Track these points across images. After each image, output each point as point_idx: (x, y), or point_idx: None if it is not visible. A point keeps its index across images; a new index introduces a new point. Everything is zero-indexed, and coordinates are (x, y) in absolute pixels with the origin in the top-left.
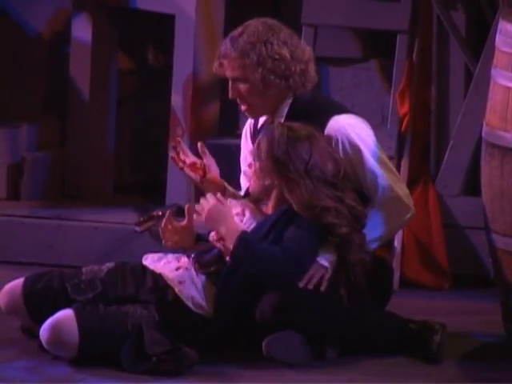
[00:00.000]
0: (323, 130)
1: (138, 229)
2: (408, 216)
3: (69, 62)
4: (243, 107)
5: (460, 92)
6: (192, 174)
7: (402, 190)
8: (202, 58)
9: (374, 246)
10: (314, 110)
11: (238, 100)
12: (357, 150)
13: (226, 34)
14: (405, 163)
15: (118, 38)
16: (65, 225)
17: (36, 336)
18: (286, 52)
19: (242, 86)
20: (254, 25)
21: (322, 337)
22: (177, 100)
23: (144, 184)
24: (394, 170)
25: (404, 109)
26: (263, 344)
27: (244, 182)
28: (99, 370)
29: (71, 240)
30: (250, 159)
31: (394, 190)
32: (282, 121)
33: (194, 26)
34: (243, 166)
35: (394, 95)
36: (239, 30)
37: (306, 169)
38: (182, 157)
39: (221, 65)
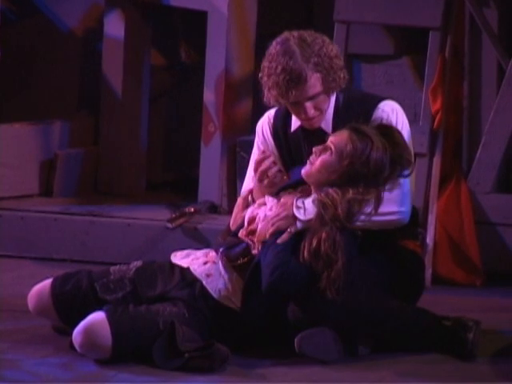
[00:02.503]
0: (371, 117)
1: (170, 225)
2: (395, 217)
3: (101, 59)
4: (311, 122)
5: (492, 89)
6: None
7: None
8: (234, 55)
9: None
10: (356, 103)
11: (311, 115)
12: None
13: (258, 31)
14: (437, 160)
15: (151, 35)
16: (97, 221)
17: (67, 333)
18: (336, 48)
19: (321, 98)
20: (292, 40)
21: (354, 334)
22: (209, 97)
23: (176, 181)
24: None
25: (436, 106)
26: (295, 340)
27: (248, 183)
28: (130, 367)
29: (103, 236)
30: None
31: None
32: (331, 118)
33: (226, 22)
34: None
35: (426, 92)
36: (279, 49)
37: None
38: None
39: (296, 93)
